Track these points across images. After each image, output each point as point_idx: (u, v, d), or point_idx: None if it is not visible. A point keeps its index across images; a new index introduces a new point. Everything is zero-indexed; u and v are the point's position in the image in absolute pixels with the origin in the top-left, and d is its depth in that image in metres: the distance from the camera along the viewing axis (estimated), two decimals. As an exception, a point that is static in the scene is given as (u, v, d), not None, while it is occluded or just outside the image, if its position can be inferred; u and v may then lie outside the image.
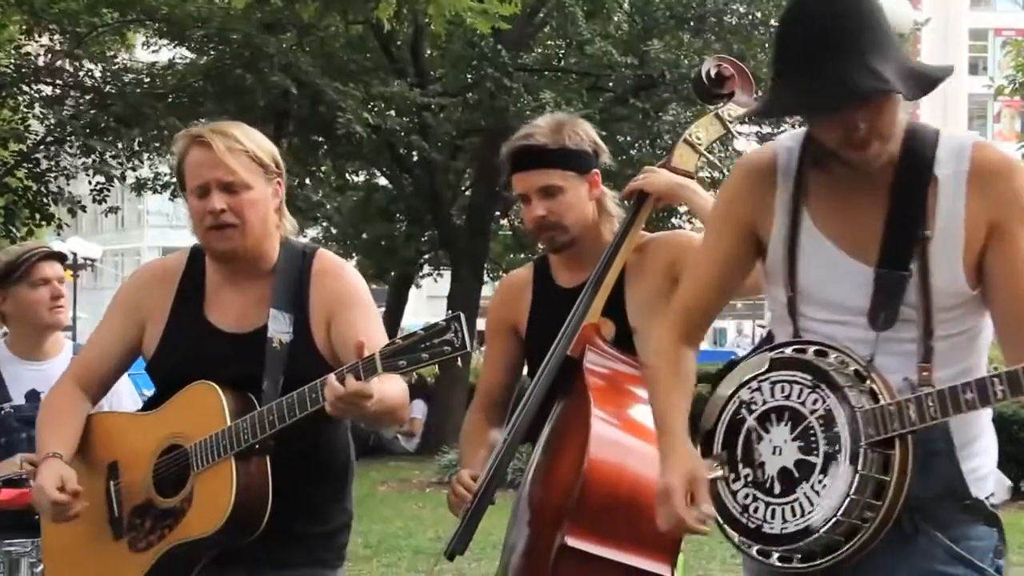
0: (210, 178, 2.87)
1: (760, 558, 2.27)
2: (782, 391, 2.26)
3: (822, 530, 2.17)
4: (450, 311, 2.65)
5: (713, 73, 3.27)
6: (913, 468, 2.16)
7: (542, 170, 3.10)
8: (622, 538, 2.80)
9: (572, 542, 2.77)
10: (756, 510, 2.27)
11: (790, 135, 2.42)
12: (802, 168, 2.35)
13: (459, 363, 2.66)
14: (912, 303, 2.24)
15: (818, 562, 2.21)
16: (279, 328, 2.88)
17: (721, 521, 2.33)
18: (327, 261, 3.01)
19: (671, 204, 3.30)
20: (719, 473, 2.32)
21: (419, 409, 15.95)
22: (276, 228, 2.97)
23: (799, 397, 2.24)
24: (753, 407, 2.30)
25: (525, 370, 3.34)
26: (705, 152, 3.23)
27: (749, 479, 2.29)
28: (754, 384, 2.30)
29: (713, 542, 8.81)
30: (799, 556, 2.22)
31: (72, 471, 2.86)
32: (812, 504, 2.19)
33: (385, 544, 8.91)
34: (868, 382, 2.20)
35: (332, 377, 2.62)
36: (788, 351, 2.29)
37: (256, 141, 2.93)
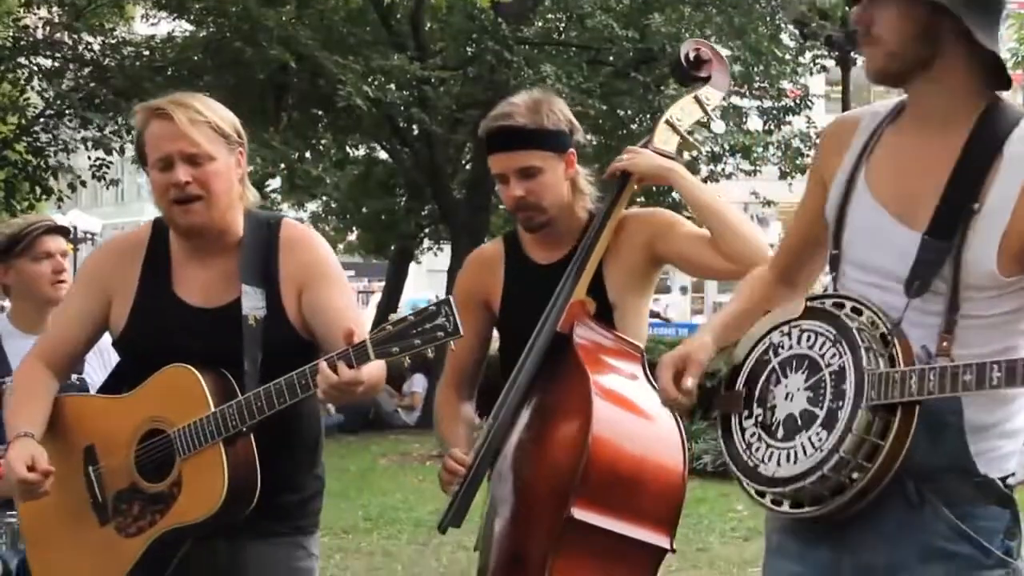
0: (172, 150, 2.85)
1: (757, 497, 2.31)
2: (807, 340, 2.29)
3: (807, 481, 2.21)
4: (449, 287, 2.65)
5: (692, 56, 3.33)
6: (916, 437, 2.16)
7: (521, 151, 3.13)
8: (625, 510, 2.85)
9: (579, 515, 2.80)
10: (757, 450, 2.32)
11: (884, 103, 2.42)
12: (877, 131, 2.37)
13: (452, 346, 2.67)
14: (944, 275, 2.23)
15: (804, 510, 2.25)
16: (253, 304, 2.87)
17: (726, 454, 2.38)
18: (294, 230, 3.00)
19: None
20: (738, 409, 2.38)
21: (419, 383, 15.96)
22: (239, 199, 2.96)
23: (820, 349, 2.27)
24: (780, 351, 2.34)
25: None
26: (685, 133, 3.26)
27: (759, 419, 2.33)
28: (786, 328, 2.34)
29: (713, 515, 8.84)
30: (788, 502, 2.27)
31: (42, 450, 2.84)
32: (805, 454, 2.23)
33: (385, 517, 8.94)
34: (889, 347, 2.20)
35: (324, 365, 2.62)
36: (827, 303, 2.31)
37: (218, 112, 2.92)
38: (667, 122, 3.26)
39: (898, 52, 2.24)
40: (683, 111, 3.29)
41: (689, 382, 2.41)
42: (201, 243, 2.95)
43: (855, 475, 2.18)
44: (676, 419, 2.97)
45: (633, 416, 2.97)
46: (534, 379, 3.05)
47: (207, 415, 2.77)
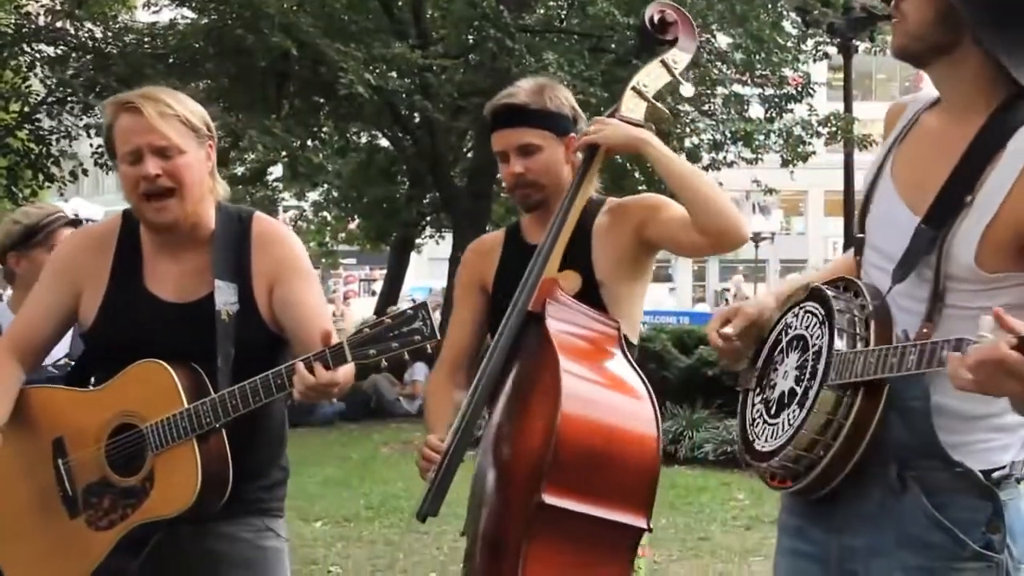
0: (142, 143, 2.85)
1: (759, 473, 2.36)
2: (805, 321, 2.35)
3: (779, 457, 2.26)
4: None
5: (656, 19, 3.28)
6: (890, 420, 2.19)
7: (522, 128, 3.18)
8: (598, 492, 2.79)
9: (549, 499, 2.75)
10: (756, 425, 2.38)
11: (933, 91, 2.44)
12: (914, 118, 2.40)
13: (428, 349, 2.67)
14: (930, 263, 2.24)
15: (788, 485, 2.30)
16: (225, 299, 2.87)
17: (737, 429, 2.45)
18: (266, 225, 3.01)
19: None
20: (750, 385, 2.45)
21: (420, 372, 15.96)
22: (210, 192, 2.96)
23: (811, 329, 2.32)
24: (789, 331, 2.39)
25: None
26: (652, 99, 3.22)
27: (763, 396, 2.39)
28: (796, 310, 2.39)
29: (714, 504, 8.85)
30: (778, 477, 2.31)
31: None
32: (783, 431, 2.27)
33: (387, 505, 8.95)
34: (868, 330, 2.23)
35: (301, 365, 2.63)
36: (838, 286, 2.34)
37: (187, 105, 2.92)
38: (634, 88, 3.21)
39: (917, 33, 2.27)
40: (650, 76, 3.24)
41: (729, 328, 2.46)
42: (172, 237, 2.95)
43: (821, 453, 2.22)
44: (650, 394, 2.90)
45: (604, 393, 2.92)
46: (507, 361, 3.03)
47: (181, 411, 2.77)
